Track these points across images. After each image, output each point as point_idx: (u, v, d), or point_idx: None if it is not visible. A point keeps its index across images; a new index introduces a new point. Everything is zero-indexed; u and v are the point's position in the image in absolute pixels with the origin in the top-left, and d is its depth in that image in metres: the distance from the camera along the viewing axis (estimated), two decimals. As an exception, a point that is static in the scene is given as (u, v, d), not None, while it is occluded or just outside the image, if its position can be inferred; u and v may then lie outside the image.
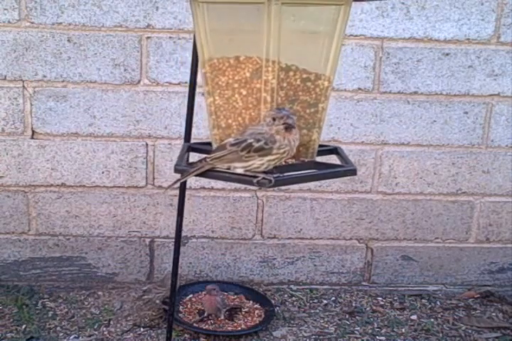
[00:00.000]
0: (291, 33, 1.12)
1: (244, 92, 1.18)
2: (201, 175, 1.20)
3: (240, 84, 1.18)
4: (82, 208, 2.17)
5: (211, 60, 1.21)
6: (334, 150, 1.36)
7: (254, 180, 1.11)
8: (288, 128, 1.11)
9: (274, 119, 1.11)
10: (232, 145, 1.15)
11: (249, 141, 1.13)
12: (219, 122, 1.25)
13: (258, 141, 1.12)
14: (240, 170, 1.15)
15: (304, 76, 1.16)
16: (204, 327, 1.96)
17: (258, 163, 1.13)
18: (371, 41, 2.09)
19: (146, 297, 2.03)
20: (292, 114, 1.12)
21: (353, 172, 1.19)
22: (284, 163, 1.19)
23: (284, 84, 1.15)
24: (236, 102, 1.20)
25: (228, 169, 1.17)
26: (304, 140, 1.21)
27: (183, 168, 1.21)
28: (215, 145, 1.26)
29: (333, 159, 1.31)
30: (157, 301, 2.02)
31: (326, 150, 1.35)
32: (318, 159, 1.27)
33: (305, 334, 2.00)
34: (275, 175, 1.12)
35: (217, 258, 2.26)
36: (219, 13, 1.17)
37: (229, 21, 1.17)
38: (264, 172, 1.14)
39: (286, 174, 1.15)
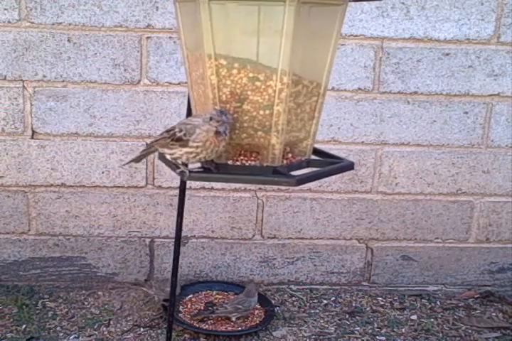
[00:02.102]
0: (232, 31, 1.12)
1: (202, 88, 1.19)
2: (150, 155, 1.34)
3: (200, 80, 1.19)
4: (82, 208, 2.17)
5: (188, 56, 1.24)
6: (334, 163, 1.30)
7: (177, 170, 1.16)
8: (217, 133, 1.12)
9: (210, 119, 1.12)
10: (166, 131, 1.20)
11: (176, 129, 1.17)
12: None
13: (180, 131, 1.16)
14: (168, 157, 1.20)
15: (251, 75, 1.13)
16: (204, 327, 1.96)
17: (178, 152, 1.16)
18: (371, 41, 2.09)
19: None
20: (228, 123, 1.11)
21: (289, 182, 1.14)
22: (239, 163, 1.19)
23: (228, 82, 1.14)
24: (201, 97, 1.22)
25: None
26: (262, 143, 1.17)
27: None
28: None
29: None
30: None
31: (328, 161, 1.30)
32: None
33: (305, 334, 2.00)
34: (195, 170, 1.17)
35: (217, 258, 2.26)
36: (186, 11, 1.19)
37: (191, 19, 1.18)
38: (204, 164, 1.19)
39: (225, 172, 1.19)
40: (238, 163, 1.20)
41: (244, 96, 1.15)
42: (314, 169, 1.24)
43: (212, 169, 1.19)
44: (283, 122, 1.16)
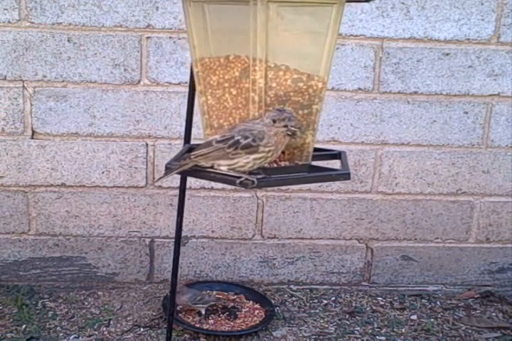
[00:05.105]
0: (281, 32, 1.11)
1: (234, 92, 1.17)
2: (186, 172, 1.19)
3: (230, 84, 1.17)
4: (82, 208, 2.17)
5: (203, 60, 1.21)
6: (338, 155, 1.33)
7: (237, 181, 1.10)
8: (291, 135, 1.09)
9: (274, 121, 1.09)
10: (219, 142, 1.14)
11: (236, 137, 1.11)
12: (211, 122, 1.25)
13: (246, 138, 1.11)
14: (224, 168, 1.13)
15: (295, 76, 1.14)
16: (204, 327, 1.96)
17: (244, 161, 1.11)
18: (371, 41, 2.09)
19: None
20: (294, 116, 1.10)
21: (345, 176, 1.17)
22: (275, 165, 1.18)
23: (273, 84, 1.13)
24: (227, 102, 1.20)
25: (212, 167, 1.15)
26: (298, 142, 1.19)
27: (171, 166, 1.19)
28: None
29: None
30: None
31: (330, 154, 1.34)
32: (322, 163, 1.25)
33: (305, 334, 2.00)
34: (259, 177, 1.10)
35: (217, 258, 2.26)
36: (210, 13, 1.17)
37: (219, 20, 1.16)
38: (249, 172, 1.13)
39: (272, 176, 1.14)
40: (274, 165, 1.18)
41: (287, 97, 1.15)
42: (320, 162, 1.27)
43: (262, 174, 1.14)
44: (318, 120, 1.18)
